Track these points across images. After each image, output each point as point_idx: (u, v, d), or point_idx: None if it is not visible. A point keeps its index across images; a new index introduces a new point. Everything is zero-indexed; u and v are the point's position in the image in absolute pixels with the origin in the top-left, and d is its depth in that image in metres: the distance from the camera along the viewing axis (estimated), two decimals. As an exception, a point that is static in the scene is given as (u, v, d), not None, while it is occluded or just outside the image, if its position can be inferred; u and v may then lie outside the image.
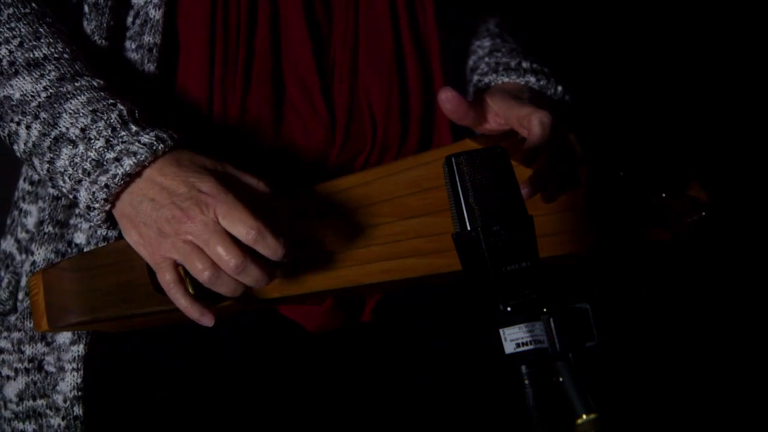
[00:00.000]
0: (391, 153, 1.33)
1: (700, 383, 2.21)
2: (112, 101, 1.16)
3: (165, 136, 1.14)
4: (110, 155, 1.12)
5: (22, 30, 1.20)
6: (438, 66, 1.35)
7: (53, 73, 1.18)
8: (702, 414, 2.15)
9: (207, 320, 1.13)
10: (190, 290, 1.14)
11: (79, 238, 1.26)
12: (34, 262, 1.26)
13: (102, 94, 1.17)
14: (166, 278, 1.12)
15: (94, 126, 1.14)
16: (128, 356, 1.25)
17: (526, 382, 1.01)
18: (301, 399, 1.26)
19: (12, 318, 1.29)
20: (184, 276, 1.14)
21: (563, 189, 1.30)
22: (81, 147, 1.13)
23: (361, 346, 1.32)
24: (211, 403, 1.23)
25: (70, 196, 1.15)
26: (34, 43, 1.19)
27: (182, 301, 1.12)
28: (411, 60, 1.34)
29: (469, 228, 1.04)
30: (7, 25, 1.20)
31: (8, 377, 1.28)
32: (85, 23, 1.25)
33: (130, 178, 1.12)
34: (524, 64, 1.38)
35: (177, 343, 1.25)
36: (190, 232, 1.10)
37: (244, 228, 1.09)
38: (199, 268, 1.10)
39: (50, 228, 1.27)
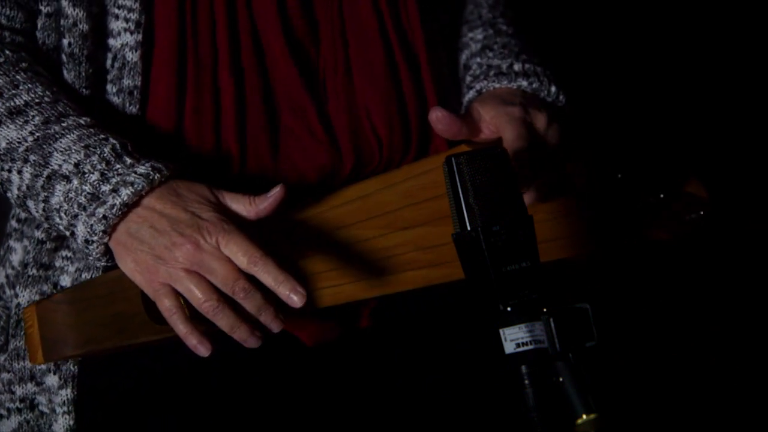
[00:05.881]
0: (395, 163, 1.32)
1: (700, 383, 2.21)
2: (103, 136, 1.15)
3: (161, 166, 1.14)
4: (106, 188, 1.12)
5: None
6: (427, 71, 1.34)
7: (37, 117, 1.17)
8: (702, 414, 2.15)
9: (203, 349, 1.11)
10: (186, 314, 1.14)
11: (65, 280, 1.25)
12: (18, 305, 1.26)
13: (91, 130, 1.16)
14: (166, 305, 1.12)
15: (88, 160, 1.13)
16: (119, 391, 1.24)
17: (526, 382, 1.00)
18: (300, 406, 1.26)
19: (1, 359, 1.29)
20: (182, 302, 1.13)
21: (551, 187, 1.28)
22: (75, 182, 1.13)
23: (359, 352, 1.31)
24: (207, 423, 1.21)
25: (67, 233, 1.14)
26: (13, 91, 1.18)
27: (181, 328, 1.11)
28: (404, 71, 1.32)
29: (469, 228, 1.03)
30: None
31: (1, 416, 1.28)
32: (65, 72, 1.24)
33: (127, 208, 1.12)
34: (516, 67, 1.36)
35: (168, 366, 1.23)
36: (190, 258, 1.10)
37: (246, 257, 1.09)
38: (201, 299, 1.10)
39: (34, 271, 1.27)
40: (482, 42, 1.44)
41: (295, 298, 1.10)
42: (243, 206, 1.15)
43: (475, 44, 1.44)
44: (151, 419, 1.22)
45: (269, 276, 1.10)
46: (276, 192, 1.15)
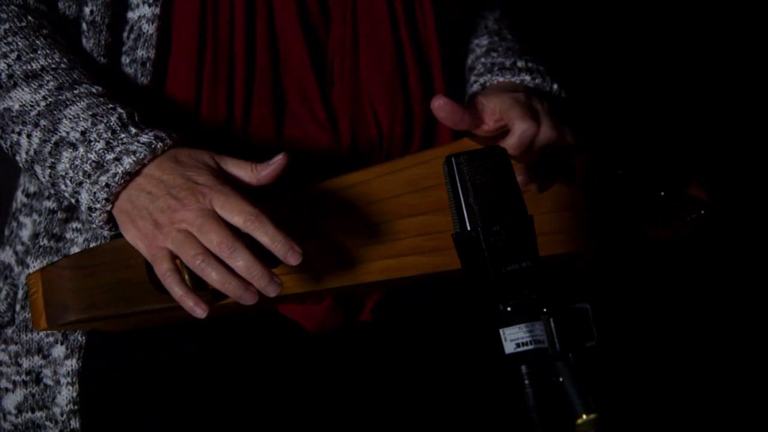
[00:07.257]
0: (396, 155, 1.33)
1: (700, 383, 2.21)
2: (111, 105, 1.17)
3: (164, 135, 1.15)
4: (110, 156, 1.13)
5: (19, 44, 1.21)
6: (438, 68, 1.35)
7: (51, 82, 1.19)
8: (702, 414, 2.15)
9: (200, 311, 1.10)
10: (188, 284, 1.14)
11: (75, 252, 1.26)
12: (29, 275, 1.26)
13: (101, 99, 1.18)
14: (163, 267, 1.11)
15: (94, 129, 1.15)
16: (124, 366, 1.25)
17: (526, 382, 1.01)
18: (301, 399, 1.26)
19: (9, 331, 1.30)
20: (182, 268, 1.14)
21: (554, 180, 1.29)
22: (81, 149, 1.14)
23: (361, 346, 1.32)
24: (209, 409, 1.22)
25: (72, 200, 1.16)
26: (32, 55, 1.21)
27: (177, 290, 1.11)
28: (412, 64, 1.34)
29: (469, 228, 1.04)
30: (5, 40, 1.22)
31: (6, 389, 1.29)
32: (84, 41, 1.27)
33: (130, 176, 1.13)
34: (519, 64, 1.38)
35: (173, 349, 1.24)
36: (184, 220, 1.10)
37: (241, 216, 1.09)
38: (190, 254, 1.09)
39: (45, 241, 1.28)
40: (487, 46, 1.45)
41: (291, 258, 1.09)
42: (245, 172, 1.16)
43: (480, 49, 1.46)
44: (154, 400, 1.22)
45: (266, 235, 1.09)
46: (278, 159, 1.15)
